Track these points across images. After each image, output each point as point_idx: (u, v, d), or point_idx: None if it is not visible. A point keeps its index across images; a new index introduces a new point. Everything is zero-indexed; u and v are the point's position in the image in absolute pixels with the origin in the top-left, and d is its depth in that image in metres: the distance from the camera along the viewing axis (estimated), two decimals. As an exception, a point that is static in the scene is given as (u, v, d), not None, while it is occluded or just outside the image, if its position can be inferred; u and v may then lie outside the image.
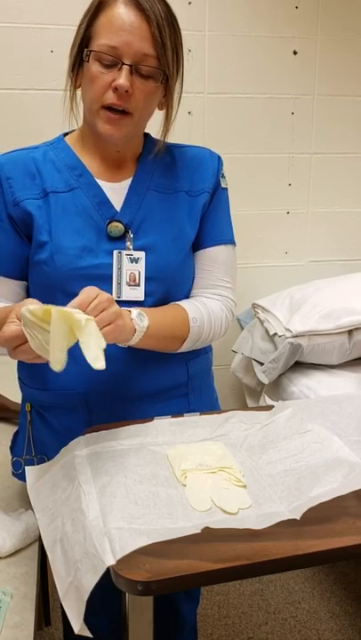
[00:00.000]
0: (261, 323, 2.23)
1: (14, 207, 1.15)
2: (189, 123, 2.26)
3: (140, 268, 1.18)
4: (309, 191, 2.47)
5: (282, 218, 2.47)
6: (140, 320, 1.09)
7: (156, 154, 1.22)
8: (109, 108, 1.10)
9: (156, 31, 1.08)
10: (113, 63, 1.08)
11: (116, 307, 1.03)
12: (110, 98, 1.09)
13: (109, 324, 1.01)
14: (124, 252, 1.17)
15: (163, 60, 1.10)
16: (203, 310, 1.22)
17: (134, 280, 1.18)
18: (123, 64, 1.07)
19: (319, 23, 2.31)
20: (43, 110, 2.14)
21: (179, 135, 1.23)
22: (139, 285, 1.18)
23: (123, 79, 1.07)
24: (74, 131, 1.25)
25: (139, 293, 1.18)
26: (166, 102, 1.18)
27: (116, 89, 1.08)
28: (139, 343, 1.11)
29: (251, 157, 2.38)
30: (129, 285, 1.18)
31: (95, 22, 1.10)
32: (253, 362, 2.22)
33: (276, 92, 2.34)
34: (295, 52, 2.32)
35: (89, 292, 1.00)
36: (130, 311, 1.09)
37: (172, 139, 1.25)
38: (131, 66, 1.08)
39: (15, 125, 2.14)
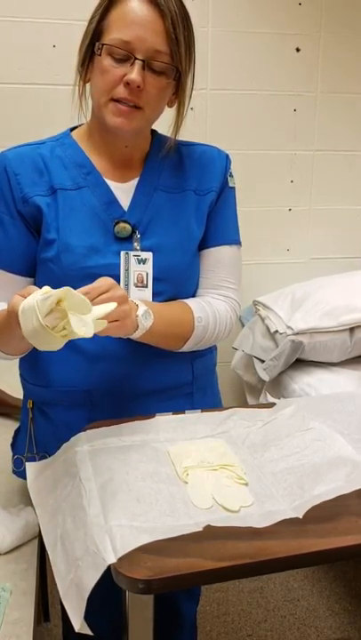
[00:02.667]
0: (262, 320, 2.22)
1: (24, 204, 1.14)
2: (192, 119, 2.23)
3: (148, 268, 1.17)
4: (311, 188, 2.47)
5: (284, 215, 2.47)
6: (144, 319, 1.08)
7: (167, 152, 1.21)
8: (119, 100, 1.09)
9: (170, 27, 1.07)
10: (125, 58, 1.07)
11: (127, 305, 1.02)
12: (121, 92, 1.08)
13: (116, 321, 1.00)
14: (132, 253, 1.16)
15: (176, 57, 1.09)
16: (208, 310, 1.21)
17: (142, 281, 1.17)
18: (135, 59, 1.06)
19: (322, 20, 2.30)
20: (45, 105, 2.13)
21: (181, 131, 1.22)
22: (146, 287, 1.17)
23: (135, 74, 1.06)
24: (80, 125, 1.24)
25: (147, 294, 1.17)
26: (178, 99, 1.16)
27: (127, 84, 1.07)
28: (140, 338, 1.11)
29: (253, 154, 2.37)
30: (137, 287, 1.17)
31: (108, 16, 1.09)
32: (254, 359, 2.22)
33: (278, 88, 2.33)
34: (298, 50, 2.31)
35: (103, 282, 0.99)
36: (137, 306, 1.08)
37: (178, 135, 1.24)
38: (143, 61, 1.07)
39: (17, 120, 2.13)
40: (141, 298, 1.16)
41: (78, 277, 1.13)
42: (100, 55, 1.08)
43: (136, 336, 1.09)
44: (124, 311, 1.01)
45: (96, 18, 1.10)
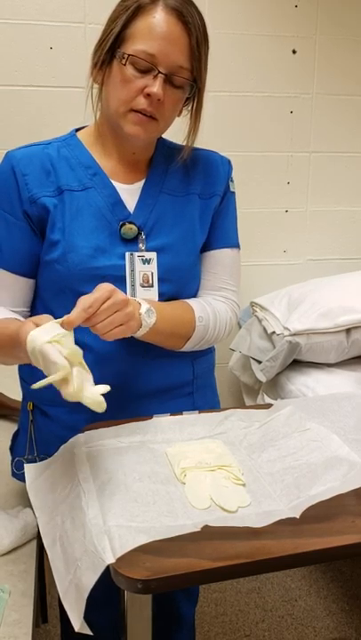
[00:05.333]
0: (260, 321, 2.23)
1: (31, 204, 1.15)
2: (188, 121, 2.25)
3: (153, 268, 1.18)
4: (308, 190, 2.47)
5: (280, 216, 2.47)
6: (147, 316, 1.09)
7: (179, 161, 1.22)
8: (138, 111, 1.10)
9: (194, 45, 1.09)
10: (147, 69, 1.08)
11: (130, 308, 1.03)
12: (141, 103, 1.09)
13: (121, 325, 1.01)
14: (136, 254, 1.17)
15: (196, 73, 1.12)
16: (209, 310, 1.23)
17: (148, 281, 1.18)
18: (158, 72, 1.07)
19: (318, 22, 2.31)
20: (41, 107, 2.14)
21: (178, 134, 1.23)
22: (152, 286, 1.18)
23: (157, 88, 1.07)
24: (85, 127, 1.25)
25: (153, 294, 1.18)
26: (195, 113, 1.19)
27: (148, 95, 1.08)
28: (143, 337, 1.11)
29: (250, 156, 2.38)
30: (142, 287, 1.18)
31: (132, 25, 1.08)
32: (251, 360, 2.22)
33: (275, 90, 2.34)
34: (294, 51, 2.32)
35: (103, 292, 0.99)
36: (140, 304, 1.09)
37: (173, 138, 1.25)
38: (166, 75, 1.08)
39: (14, 122, 2.13)
40: (148, 297, 1.16)
41: (84, 278, 1.13)
42: (124, 64, 1.08)
43: (140, 334, 1.10)
44: (127, 314, 1.02)
45: (119, 24, 1.09)
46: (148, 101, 1.09)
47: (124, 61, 1.08)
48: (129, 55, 1.08)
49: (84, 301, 0.97)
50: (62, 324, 0.94)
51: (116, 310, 1.00)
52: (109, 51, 1.11)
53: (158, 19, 1.07)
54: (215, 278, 1.27)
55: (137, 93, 1.09)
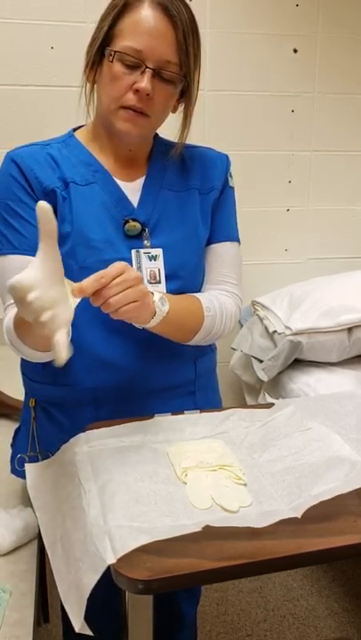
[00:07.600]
0: (261, 320, 2.23)
1: (45, 197, 1.13)
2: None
3: (159, 265, 1.18)
4: (309, 189, 2.47)
5: (282, 215, 2.47)
6: (161, 304, 1.07)
7: (173, 155, 1.22)
8: (128, 107, 1.10)
9: (181, 38, 1.08)
10: (136, 65, 1.08)
11: (144, 286, 1.01)
12: (131, 100, 1.09)
13: (135, 302, 0.99)
14: (142, 251, 1.17)
15: (185, 67, 1.11)
16: (216, 302, 1.23)
17: (155, 278, 1.18)
18: (146, 67, 1.08)
19: (319, 21, 2.30)
20: (42, 107, 2.14)
21: (175, 133, 1.23)
22: (160, 283, 1.18)
23: (145, 83, 1.07)
24: (82, 126, 1.25)
25: (161, 290, 1.17)
26: (185, 107, 1.18)
27: (137, 91, 1.08)
28: (155, 327, 1.09)
29: (251, 154, 2.38)
30: (150, 283, 1.17)
31: (120, 22, 1.09)
32: (253, 359, 2.22)
33: (276, 89, 2.34)
34: (295, 50, 2.31)
35: (116, 267, 0.97)
36: (153, 293, 1.08)
37: (173, 136, 1.25)
38: (153, 70, 1.08)
39: (14, 121, 2.13)
40: None
41: (93, 271, 1.11)
42: (111, 61, 1.09)
43: (153, 323, 1.08)
44: (140, 290, 0.99)
45: (107, 22, 1.10)
46: (138, 97, 1.09)
47: (111, 58, 1.09)
48: (116, 52, 1.08)
49: (94, 274, 0.95)
50: (72, 292, 0.91)
51: (130, 286, 0.97)
52: (99, 49, 1.12)
53: (144, 14, 1.07)
54: (217, 273, 1.28)
55: (126, 90, 1.09)
